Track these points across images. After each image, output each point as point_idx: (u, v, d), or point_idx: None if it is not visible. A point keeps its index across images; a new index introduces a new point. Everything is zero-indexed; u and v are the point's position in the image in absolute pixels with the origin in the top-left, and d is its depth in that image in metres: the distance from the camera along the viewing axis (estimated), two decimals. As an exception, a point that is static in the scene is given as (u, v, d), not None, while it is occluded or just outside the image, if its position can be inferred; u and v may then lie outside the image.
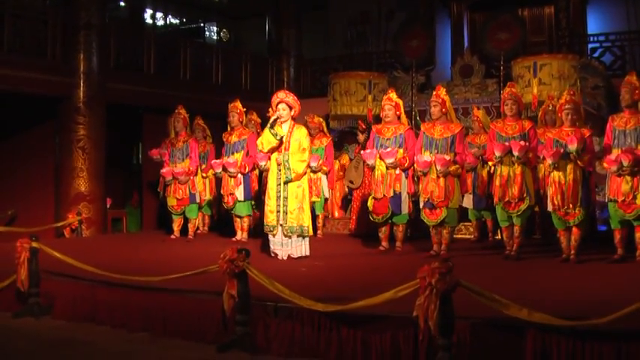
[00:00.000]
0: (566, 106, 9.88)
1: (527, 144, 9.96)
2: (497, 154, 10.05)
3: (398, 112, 11.11)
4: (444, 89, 10.99)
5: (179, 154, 12.89)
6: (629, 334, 5.49)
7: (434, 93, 10.83)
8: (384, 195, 10.81)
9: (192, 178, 12.90)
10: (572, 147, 9.41)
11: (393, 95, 11.20)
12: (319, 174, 12.85)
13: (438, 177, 10.31)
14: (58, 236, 14.12)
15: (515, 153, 9.88)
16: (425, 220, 10.65)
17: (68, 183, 14.47)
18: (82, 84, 14.44)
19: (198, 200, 13.13)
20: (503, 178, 10.12)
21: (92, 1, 14.72)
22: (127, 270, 8.42)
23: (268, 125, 10.29)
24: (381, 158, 10.79)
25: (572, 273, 9.06)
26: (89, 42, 14.57)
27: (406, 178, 10.88)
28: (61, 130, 14.67)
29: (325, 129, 14.01)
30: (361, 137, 13.72)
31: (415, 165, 10.63)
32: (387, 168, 10.78)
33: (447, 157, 10.28)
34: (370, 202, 11.07)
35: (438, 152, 10.41)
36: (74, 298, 8.63)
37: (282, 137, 10.21)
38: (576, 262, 9.64)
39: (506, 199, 10.09)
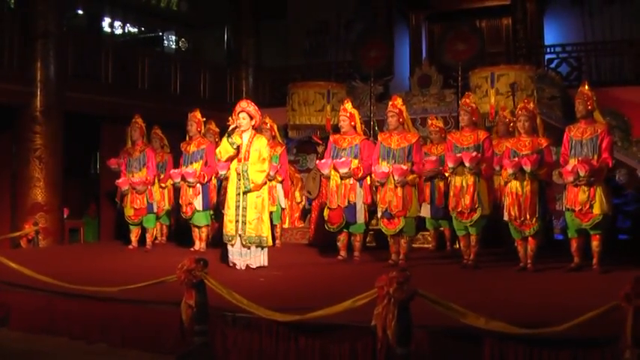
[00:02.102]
0: (521, 115, 10.00)
1: (478, 155, 10.06)
2: (450, 165, 10.18)
3: (353, 123, 11.15)
4: (401, 99, 11.04)
5: (136, 164, 12.82)
6: (585, 342, 5.55)
7: (390, 103, 10.87)
8: (339, 205, 10.84)
9: (149, 187, 12.83)
10: (527, 168, 9.55)
11: (348, 106, 11.24)
12: (274, 182, 12.79)
13: (396, 187, 10.35)
14: (14, 247, 13.94)
15: (467, 164, 9.98)
16: (383, 230, 10.69)
17: (25, 193, 14.31)
18: (39, 93, 14.30)
19: (155, 210, 13.05)
20: (457, 189, 10.22)
21: (50, 10, 14.59)
22: (85, 281, 8.37)
23: (226, 134, 10.29)
24: (335, 168, 10.82)
25: (529, 282, 9.13)
26: (46, 50, 14.46)
27: (361, 187, 10.91)
28: (18, 140, 14.51)
29: (278, 136, 13.97)
30: (320, 148, 13.72)
31: (373, 175, 10.67)
32: (342, 178, 10.82)
33: (405, 167, 10.34)
34: (326, 212, 11.12)
35: (395, 162, 10.46)
36: (31, 310, 8.55)
37: (238, 146, 10.20)
38: (533, 270, 9.73)
39: (459, 209, 10.18)
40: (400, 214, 10.40)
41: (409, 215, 10.49)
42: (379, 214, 10.68)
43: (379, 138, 11.01)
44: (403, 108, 10.86)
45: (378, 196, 10.64)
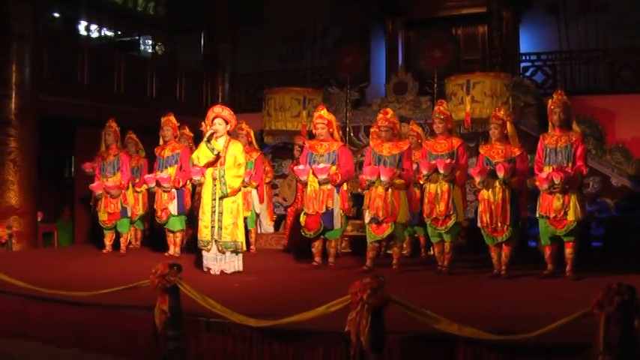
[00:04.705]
0: (492, 123, 10.09)
1: (452, 162, 10.13)
2: (424, 172, 10.24)
3: (330, 129, 11.16)
4: (391, 112, 11.08)
5: (110, 168, 12.79)
6: (557, 348, 5.57)
7: (382, 117, 10.86)
8: (316, 211, 10.84)
9: (123, 192, 12.79)
10: (500, 175, 9.61)
11: (324, 112, 11.23)
12: (249, 188, 12.79)
13: (386, 190, 10.38)
14: (-13, 250, 13.89)
15: (441, 171, 10.06)
16: (370, 236, 10.67)
17: (-2, 196, 14.25)
18: (13, 95, 14.17)
19: (129, 214, 13.01)
20: (431, 195, 10.28)
21: (25, 12, 14.47)
22: (58, 285, 8.33)
23: (205, 140, 10.24)
24: (313, 174, 10.82)
25: (503, 288, 9.18)
26: (22, 53, 14.33)
27: (338, 194, 10.92)
28: (-8, 143, 14.44)
29: (254, 142, 13.96)
30: (298, 154, 13.71)
31: (363, 176, 10.67)
32: (320, 184, 10.81)
33: (394, 170, 10.38)
34: (302, 218, 11.10)
35: (385, 168, 10.54)
36: (4, 313, 8.51)
37: (219, 152, 10.17)
38: (506, 277, 9.77)
39: (434, 215, 10.24)
40: (388, 220, 10.44)
41: (398, 221, 10.53)
42: (367, 220, 10.70)
43: (371, 144, 11.10)
44: (395, 120, 10.93)
45: (367, 201, 10.67)
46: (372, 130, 12.58)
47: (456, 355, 5.83)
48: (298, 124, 15.82)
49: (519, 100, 14.90)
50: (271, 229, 14.76)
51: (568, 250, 9.68)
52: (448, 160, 10.11)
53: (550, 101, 10.01)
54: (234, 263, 10.31)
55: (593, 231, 13.08)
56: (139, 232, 14.30)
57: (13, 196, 14.19)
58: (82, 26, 24.56)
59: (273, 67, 20.55)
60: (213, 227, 10.20)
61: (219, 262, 10.24)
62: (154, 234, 14.48)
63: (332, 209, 10.85)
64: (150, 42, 26.77)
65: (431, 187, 10.31)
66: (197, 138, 12.57)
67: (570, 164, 9.61)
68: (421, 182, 10.82)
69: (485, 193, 9.85)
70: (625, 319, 4.77)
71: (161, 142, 12.78)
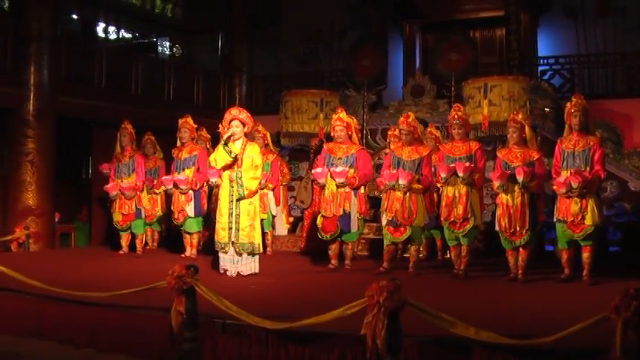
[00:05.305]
0: (510, 126, 10.08)
1: (471, 165, 10.11)
2: (443, 175, 10.21)
3: (349, 132, 11.16)
4: (413, 116, 11.08)
5: (125, 169, 12.84)
6: (574, 353, 5.54)
7: (403, 120, 10.87)
8: (334, 214, 10.83)
9: (138, 193, 12.82)
10: (519, 179, 9.60)
11: (343, 115, 11.22)
12: (265, 190, 12.77)
13: (405, 194, 10.38)
14: (5, 250, 13.91)
15: (460, 174, 10.03)
16: (387, 237, 10.69)
17: (16, 197, 14.28)
18: (32, 96, 14.25)
19: (143, 216, 13.04)
20: (449, 199, 10.25)
21: (44, 13, 14.55)
22: (75, 285, 8.34)
23: (222, 142, 10.24)
24: (331, 177, 10.80)
25: (519, 292, 9.13)
26: (40, 54, 14.41)
27: (356, 197, 10.90)
28: (10, 143, 14.49)
29: (271, 144, 13.96)
30: (312, 155, 13.72)
31: (381, 179, 10.69)
32: (337, 187, 10.80)
33: (412, 174, 10.39)
34: (319, 220, 11.08)
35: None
36: (19, 313, 8.53)
37: (236, 155, 10.17)
38: (523, 281, 9.74)
39: (452, 219, 10.21)
40: (406, 223, 10.44)
41: (415, 224, 10.53)
42: (384, 222, 10.69)
43: (392, 147, 11.15)
44: (416, 124, 10.93)
45: (385, 204, 10.66)
46: (389, 132, 12.61)
47: (473, 359, 5.81)
48: (315, 126, 15.84)
49: (537, 104, 14.84)
50: (286, 232, 14.73)
51: (585, 255, 9.65)
52: (467, 164, 10.09)
53: (569, 105, 9.96)
54: (250, 265, 10.31)
55: (610, 235, 13.01)
56: (155, 234, 14.30)
57: (30, 197, 14.26)
58: (100, 28, 24.62)
59: (291, 69, 20.54)
60: (230, 229, 10.20)
61: (236, 264, 10.24)
62: (170, 235, 14.49)
63: (349, 212, 10.84)
64: (167, 44, 26.81)
65: (448, 190, 10.29)
66: (214, 140, 12.58)
67: (588, 168, 9.57)
68: (439, 185, 10.80)
69: (503, 197, 9.82)
70: (642, 324, 4.76)
71: (178, 143, 12.80)
